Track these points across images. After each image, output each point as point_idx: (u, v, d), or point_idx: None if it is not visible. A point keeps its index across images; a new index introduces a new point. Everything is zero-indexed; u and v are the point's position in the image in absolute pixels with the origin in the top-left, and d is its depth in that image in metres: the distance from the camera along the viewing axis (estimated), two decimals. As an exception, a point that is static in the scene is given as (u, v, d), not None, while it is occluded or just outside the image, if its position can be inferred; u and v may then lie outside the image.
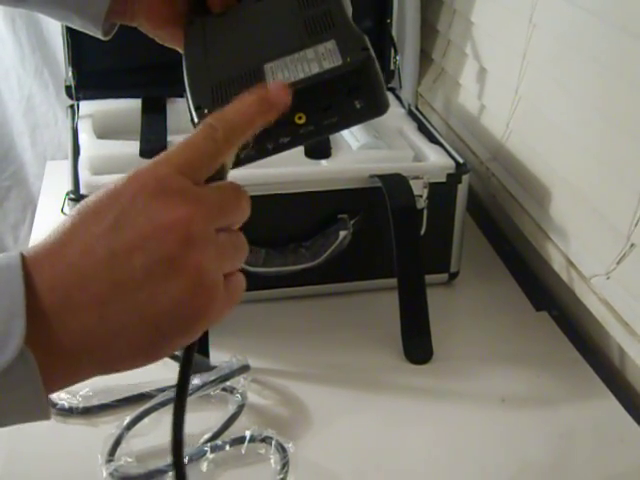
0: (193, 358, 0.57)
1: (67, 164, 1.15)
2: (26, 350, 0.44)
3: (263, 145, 0.58)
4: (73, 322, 0.45)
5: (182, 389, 0.59)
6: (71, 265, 0.46)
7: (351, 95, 0.57)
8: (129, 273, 0.46)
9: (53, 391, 0.46)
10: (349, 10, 0.68)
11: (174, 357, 1.00)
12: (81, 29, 0.74)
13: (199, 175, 0.50)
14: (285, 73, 0.59)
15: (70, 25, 0.74)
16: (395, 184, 1.08)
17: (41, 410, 0.46)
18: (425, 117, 1.34)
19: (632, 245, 0.97)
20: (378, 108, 0.59)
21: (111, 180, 0.49)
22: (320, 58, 0.58)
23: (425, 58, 1.63)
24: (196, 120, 0.59)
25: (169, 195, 0.48)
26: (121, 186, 0.48)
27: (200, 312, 0.48)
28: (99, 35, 0.74)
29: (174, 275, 0.47)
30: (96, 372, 0.48)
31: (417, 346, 1.05)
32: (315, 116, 0.58)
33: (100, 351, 0.47)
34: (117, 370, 0.48)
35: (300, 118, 0.58)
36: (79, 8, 0.72)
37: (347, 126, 0.60)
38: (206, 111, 0.58)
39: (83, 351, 0.46)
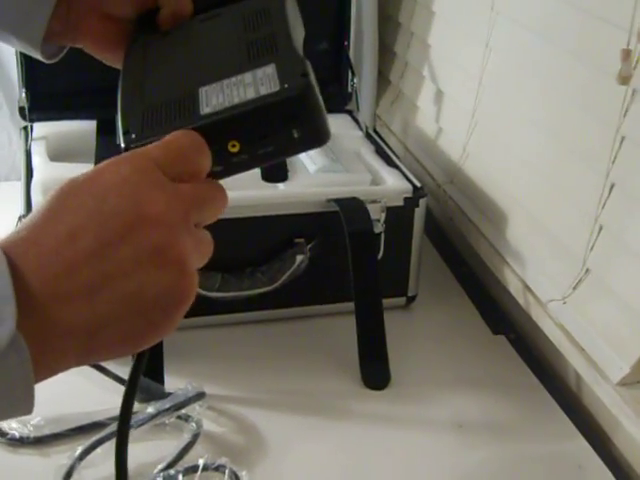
0: (138, 383, 0.57)
1: (20, 186, 1.14)
2: (18, 337, 0.43)
3: None
4: (62, 311, 0.45)
5: (126, 416, 0.58)
6: (58, 255, 0.46)
7: (288, 124, 0.55)
8: (118, 263, 0.47)
9: (39, 380, 0.46)
10: (300, 34, 0.67)
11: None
12: (23, 51, 0.71)
13: (174, 174, 0.51)
14: (219, 98, 0.56)
15: (10, 46, 0.71)
16: (352, 208, 1.08)
17: (27, 401, 0.45)
18: (383, 140, 1.34)
19: (587, 270, 0.97)
20: (318, 138, 0.56)
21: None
22: (257, 83, 0.56)
23: (383, 80, 1.64)
24: (122, 145, 0.56)
25: (150, 187, 0.49)
26: (100, 175, 0.49)
27: (184, 300, 0.50)
28: (39, 57, 0.70)
29: (162, 265, 0.48)
30: (82, 361, 0.48)
31: (374, 372, 1.05)
32: (250, 145, 0.55)
33: (88, 340, 0.47)
34: (103, 359, 0.49)
35: (234, 146, 0.55)
36: (15, 29, 0.68)
37: (285, 156, 0.58)
38: (133, 136, 0.56)
39: (71, 340, 0.46)
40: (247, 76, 0.57)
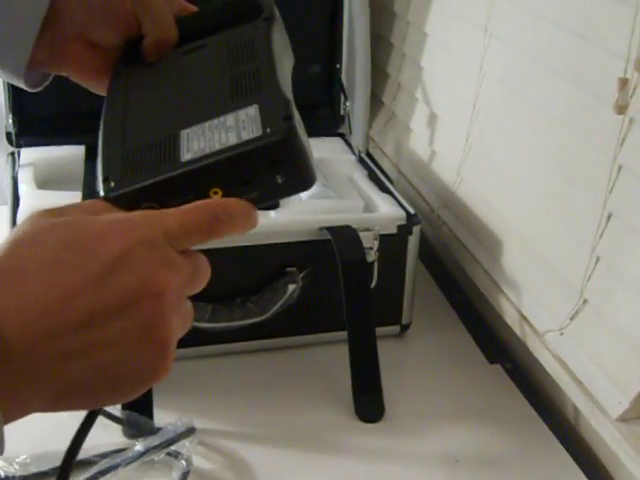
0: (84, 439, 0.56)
1: (6, 213, 1.12)
2: None
3: None
4: (33, 368, 0.44)
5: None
6: (45, 317, 0.44)
7: (271, 169, 0.53)
8: (104, 333, 0.45)
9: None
10: (289, 63, 0.65)
11: (116, 419, 0.97)
12: (6, 79, 0.69)
13: (181, 247, 0.50)
14: (200, 143, 0.54)
15: None
16: (345, 237, 1.06)
17: None
18: (376, 163, 1.32)
19: (585, 301, 0.95)
20: (303, 183, 0.54)
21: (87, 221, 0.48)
22: (239, 126, 0.54)
23: (375, 101, 1.62)
24: (101, 193, 0.54)
25: (157, 264, 0.47)
26: (107, 235, 0.47)
27: (156, 378, 0.48)
28: (22, 85, 0.69)
29: (147, 343, 0.47)
30: (41, 410, 0.46)
31: (368, 404, 1.03)
32: (232, 192, 0.53)
33: (53, 397, 0.45)
34: (58, 411, 0.47)
35: (216, 193, 0.53)
36: None
37: (270, 201, 0.55)
38: (112, 184, 0.54)
39: (36, 396, 0.45)
40: (229, 118, 0.55)
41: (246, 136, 0.53)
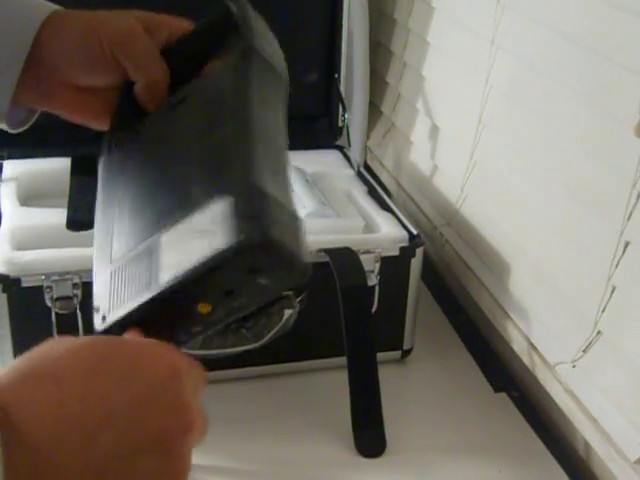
0: None
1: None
2: None
3: (177, 338, 0.52)
4: None
5: None
6: (78, 455, 0.42)
7: (253, 275, 0.49)
8: (128, 473, 0.44)
9: None
10: (276, 104, 0.60)
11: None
12: None
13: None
14: (178, 254, 0.50)
15: None
16: (344, 261, 1.00)
17: None
18: (376, 177, 1.27)
19: (599, 333, 0.90)
20: (291, 280, 0.50)
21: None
22: (212, 229, 0.49)
23: (374, 110, 1.56)
24: (96, 327, 0.51)
25: (190, 391, 0.47)
26: (155, 358, 0.47)
27: None
28: (4, 127, 0.65)
29: (168, 473, 0.46)
30: None
31: (369, 438, 0.97)
32: (220, 302, 0.50)
33: None
34: None
35: (204, 307, 0.50)
36: None
37: (262, 302, 0.52)
38: (102, 316, 0.52)
39: None
40: (200, 219, 0.50)
41: (218, 244, 0.48)
